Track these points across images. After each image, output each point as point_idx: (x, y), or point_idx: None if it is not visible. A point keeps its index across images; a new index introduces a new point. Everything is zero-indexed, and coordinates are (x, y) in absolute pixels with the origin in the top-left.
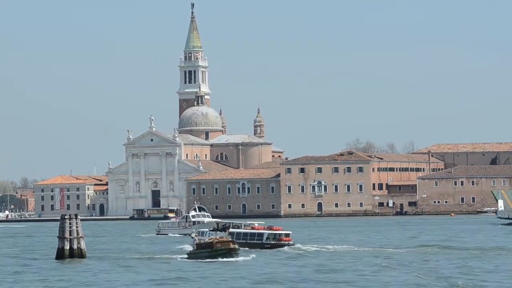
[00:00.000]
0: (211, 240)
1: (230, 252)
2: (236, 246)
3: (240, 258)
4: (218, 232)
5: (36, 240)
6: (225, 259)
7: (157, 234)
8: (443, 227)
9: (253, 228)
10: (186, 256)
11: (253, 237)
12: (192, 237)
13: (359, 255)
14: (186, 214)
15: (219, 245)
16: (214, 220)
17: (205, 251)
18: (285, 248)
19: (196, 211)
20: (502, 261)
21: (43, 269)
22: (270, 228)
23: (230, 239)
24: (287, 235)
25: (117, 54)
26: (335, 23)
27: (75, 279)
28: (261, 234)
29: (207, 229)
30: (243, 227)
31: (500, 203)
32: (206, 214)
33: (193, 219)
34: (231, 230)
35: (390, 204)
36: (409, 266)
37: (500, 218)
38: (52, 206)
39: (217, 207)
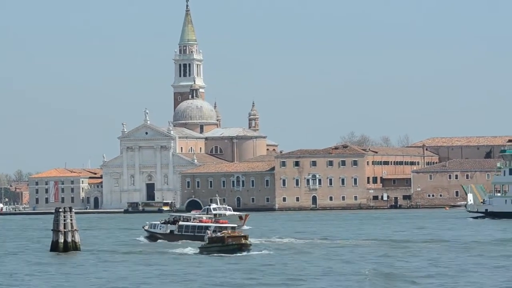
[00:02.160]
0: (222, 235)
1: (241, 248)
2: (248, 242)
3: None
4: (169, 224)
5: None
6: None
7: None
8: (406, 221)
9: (201, 221)
10: (198, 250)
11: (200, 229)
12: (145, 229)
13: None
14: (207, 206)
15: (231, 240)
16: (236, 213)
17: (216, 245)
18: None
19: (217, 204)
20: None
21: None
22: (216, 222)
23: (243, 234)
24: (232, 228)
25: (112, 48)
26: (330, 18)
27: (77, 272)
28: (208, 227)
29: (159, 222)
30: (192, 220)
31: (470, 196)
32: (227, 207)
33: (214, 212)
34: (180, 223)
35: (385, 198)
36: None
37: (470, 211)
38: (46, 199)
39: (211, 200)
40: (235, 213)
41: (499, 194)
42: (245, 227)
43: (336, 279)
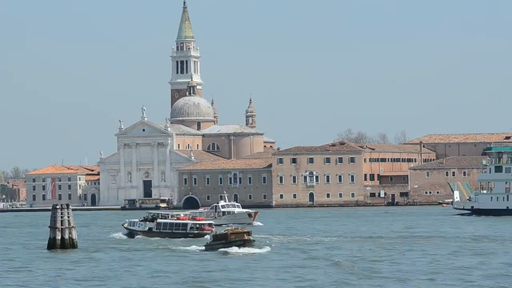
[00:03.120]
0: (226, 232)
1: (244, 244)
2: (251, 238)
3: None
4: (147, 222)
5: None
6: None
7: None
8: (383, 219)
9: (178, 219)
10: (203, 247)
11: (178, 227)
12: (125, 227)
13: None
14: (216, 204)
15: (234, 237)
16: (244, 210)
17: (220, 242)
18: (207, 236)
19: (225, 201)
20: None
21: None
22: (194, 219)
23: (246, 231)
24: (209, 225)
25: (110, 45)
26: (328, 15)
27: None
28: (185, 224)
29: (137, 220)
30: (170, 217)
31: (456, 194)
32: (236, 204)
33: (222, 209)
34: (159, 220)
35: (382, 195)
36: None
37: (456, 208)
38: (43, 196)
39: (208, 197)
40: (244, 210)
41: (485, 191)
42: (256, 223)
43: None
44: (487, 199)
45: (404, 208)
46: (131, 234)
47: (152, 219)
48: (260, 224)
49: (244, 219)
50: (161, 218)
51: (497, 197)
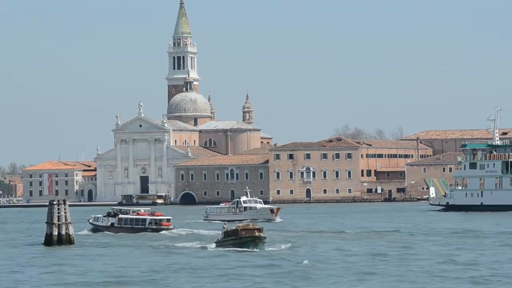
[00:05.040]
0: (236, 228)
1: (255, 241)
2: (262, 235)
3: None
4: (110, 217)
5: None
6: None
7: (205, 219)
8: (358, 215)
9: (138, 214)
10: (214, 244)
11: (137, 222)
12: (90, 222)
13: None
14: (237, 199)
15: (244, 233)
16: (266, 206)
17: (230, 239)
18: (164, 232)
19: (247, 196)
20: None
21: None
22: (152, 214)
23: (257, 227)
24: (168, 220)
25: (106, 40)
26: (325, 11)
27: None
28: (144, 220)
29: (101, 215)
30: (130, 213)
31: (432, 190)
32: (258, 199)
33: (244, 205)
34: (120, 216)
35: (379, 191)
36: None
37: (432, 204)
38: (40, 191)
39: (205, 193)
40: (266, 206)
41: (460, 188)
42: (277, 219)
43: None
44: (461, 195)
45: (407, 204)
46: (95, 229)
47: (114, 215)
48: (280, 220)
49: (266, 214)
50: (123, 214)
51: (472, 193)
